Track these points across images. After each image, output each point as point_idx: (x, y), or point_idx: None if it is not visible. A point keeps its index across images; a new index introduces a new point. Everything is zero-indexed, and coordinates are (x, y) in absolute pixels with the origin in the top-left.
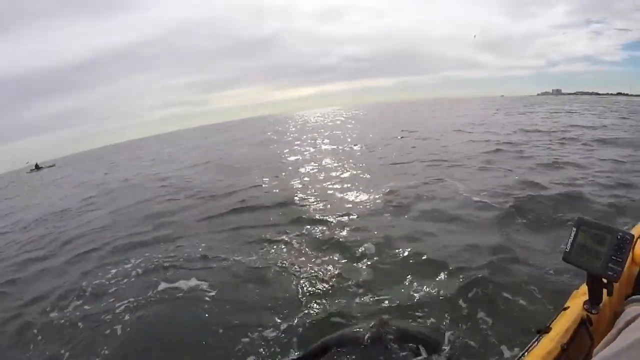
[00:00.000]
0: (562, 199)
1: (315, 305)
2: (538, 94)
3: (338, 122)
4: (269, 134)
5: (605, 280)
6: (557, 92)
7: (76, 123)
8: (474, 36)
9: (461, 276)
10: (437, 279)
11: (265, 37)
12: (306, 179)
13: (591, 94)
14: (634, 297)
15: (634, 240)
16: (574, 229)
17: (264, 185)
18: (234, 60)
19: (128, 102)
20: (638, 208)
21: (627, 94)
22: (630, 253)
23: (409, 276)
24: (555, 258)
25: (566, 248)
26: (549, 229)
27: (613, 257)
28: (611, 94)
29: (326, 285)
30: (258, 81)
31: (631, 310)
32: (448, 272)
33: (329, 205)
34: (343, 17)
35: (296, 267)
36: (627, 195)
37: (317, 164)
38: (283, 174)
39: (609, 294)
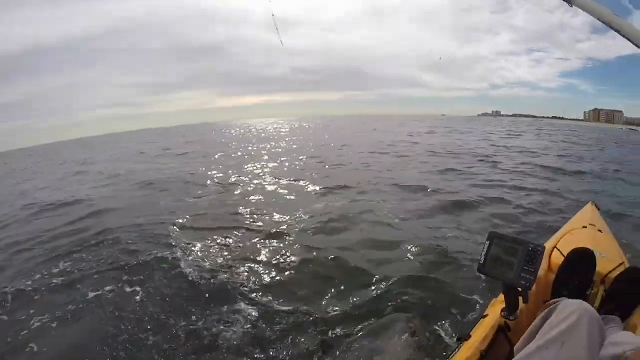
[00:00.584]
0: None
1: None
2: (478, 115)
3: (281, 133)
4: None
5: (519, 289)
6: (497, 114)
7: (16, 117)
8: (439, 58)
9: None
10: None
11: (214, 43)
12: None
13: (528, 116)
14: (550, 300)
15: (550, 250)
16: (487, 242)
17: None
18: (181, 63)
19: (71, 98)
20: (552, 223)
21: (561, 117)
22: (547, 261)
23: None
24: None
25: (480, 260)
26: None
27: (525, 268)
28: (547, 117)
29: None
30: (204, 87)
31: (550, 308)
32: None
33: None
34: (294, 29)
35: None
36: (544, 210)
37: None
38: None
39: (525, 301)
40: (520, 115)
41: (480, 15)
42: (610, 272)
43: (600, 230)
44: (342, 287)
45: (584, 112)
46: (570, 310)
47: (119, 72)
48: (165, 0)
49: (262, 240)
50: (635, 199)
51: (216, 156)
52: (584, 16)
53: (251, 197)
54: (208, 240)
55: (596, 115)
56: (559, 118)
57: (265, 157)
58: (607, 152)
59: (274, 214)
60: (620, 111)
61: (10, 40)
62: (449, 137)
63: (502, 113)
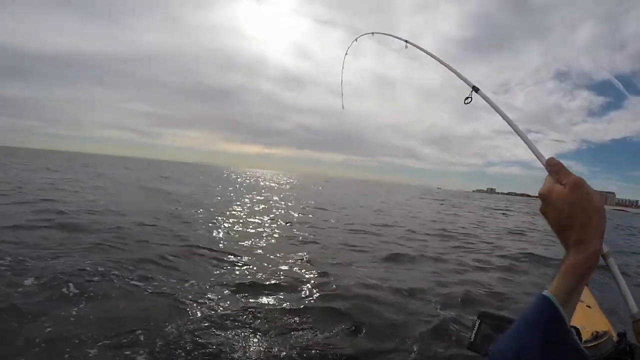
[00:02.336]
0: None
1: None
2: (473, 191)
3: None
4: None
5: None
6: (492, 191)
7: (22, 115)
8: (406, 47)
9: None
10: None
11: (228, 88)
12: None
13: (523, 195)
14: None
15: None
16: (478, 320)
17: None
18: (193, 101)
19: (82, 112)
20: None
21: None
22: None
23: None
24: None
25: (470, 338)
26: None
27: None
28: None
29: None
30: (209, 128)
31: None
32: None
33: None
34: (303, 88)
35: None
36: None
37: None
38: None
39: None
40: (515, 194)
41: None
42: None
43: (588, 306)
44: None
45: None
46: None
47: (131, 97)
48: (189, 38)
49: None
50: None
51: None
52: (581, 100)
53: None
54: None
55: None
56: None
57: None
58: None
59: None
60: (613, 193)
61: (31, 39)
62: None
63: (496, 190)
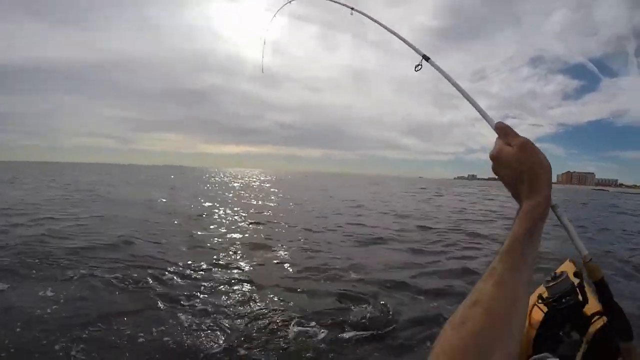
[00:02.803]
0: None
1: None
2: (455, 178)
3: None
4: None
5: None
6: (472, 177)
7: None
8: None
9: None
10: None
11: (204, 89)
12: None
13: None
14: (534, 356)
15: (531, 307)
16: None
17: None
18: (168, 104)
19: (58, 121)
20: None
21: None
22: (528, 318)
23: None
24: None
25: None
26: None
27: None
28: None
29: None
30: (188, 131)
31: None
32: None
33: None
34: (280, 85)
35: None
36: None
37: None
38: None
39: None
40: (495, 179)
41: (460, 83)
42: (591, 324)
43: None
44: None
45: (557, 175)
46: None
47: (108, 104)
48: (163, 41)
49: None
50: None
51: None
52: (555, 84)
53: None
54: None
55: (569, 177)
56: None
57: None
58: (572, 212)
59: None
60: (592, 173)
61: (4, 52)
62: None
63: (477, 177)
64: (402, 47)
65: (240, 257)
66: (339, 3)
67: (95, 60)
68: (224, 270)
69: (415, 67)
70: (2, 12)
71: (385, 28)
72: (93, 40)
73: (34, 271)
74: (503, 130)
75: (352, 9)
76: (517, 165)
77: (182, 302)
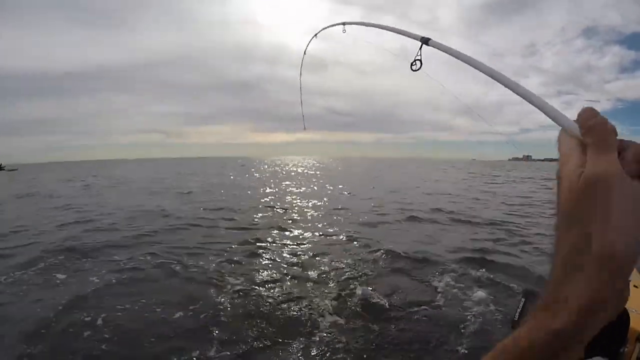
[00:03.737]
0: None
1: None
2: (509, 159)
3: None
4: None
5: None
6: (528, 158)
7: (53, 131)
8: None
9: None
10: None
11: (250, 79)
12: None
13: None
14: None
15: None
16: (522, 299)
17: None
18: (216, 97)
19: (109, 120)
20: None
21: None
22: None
23: None
24: None
25: (515, 317)
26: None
27: None
28: None
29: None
30: (236, 121)
31: None
32: None
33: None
34: (327, 71)
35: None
36: None
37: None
38: None
39: None
40: (552, 160)
41: (510, 59)
42: None
43: (636, 286)
44: None
45: None
46: None
47: (156, 100)
48: (205, 35)
49: None
50: None
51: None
52: (611, 56)
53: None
54: None
55: None
56: None
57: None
58: None
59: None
60: None
61: (52, 60)
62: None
63: (533, 157)
64: (447, 22)
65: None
66: (330, 26)
67: (140, 60)
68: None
69: (412, 66)
70: (44, 21)
71: (378, 26)
72: (136, 41)
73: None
74: (592, 129)
75: (344, 24)
76: (574, 205)
77: None
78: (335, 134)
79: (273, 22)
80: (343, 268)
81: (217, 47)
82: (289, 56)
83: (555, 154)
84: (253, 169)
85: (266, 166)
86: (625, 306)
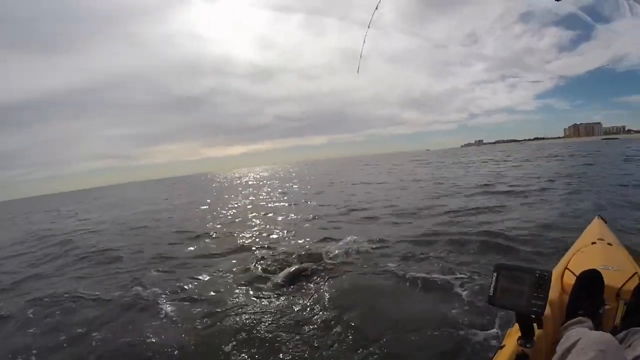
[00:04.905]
0: None
1: None
2: (462, 146)
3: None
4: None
5: (532, 316)
6: (479, 143)
7: (9, 167)
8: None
9: None
10: None
11: (199, 94)
12: None
13: (510, 141)
14: (568, 322)
15: (562, 272)
16: (495, 274)
17: None
18: (167, 115)
19: (61, 150)
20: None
21: (543, 138)
22: (560, 283)
23: None
24: None
25: (490, 292)
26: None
27: (535, 295)
28: (529, 140)
29: None
30: (190, 138)
31: (570, 334)
32: None
33: None
34: (274, 78)
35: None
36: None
37: None
38: None
39: (540, 327)
40: (503, 142)
41: (453, 49)
42: (624, 284)
43: (609, 244)
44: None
45: (564, 129)
46: (591, 343)
47: (110, 123)
48: (152, 54)
49: None
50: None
51: None
52: (550, 38)
53: None
54: None
55: (576, 130)
56: (541, 139)
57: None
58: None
59: None
60: (599, 123)
61: (3, 91)
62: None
63: (484, 141)
64: (391, 19)
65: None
66: None
67: (87, 84)
68: None
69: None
70: None
71: None
72: (82, 65)
73: None
74: None
75: None
76: None
77: None
78: (288, 140)
79: (217, 34)
80: None
81: (164, 65)
82: (236, 67)
83: (504, 136)
84: (179, 191)
85: (216, 183)
86: (600, 265)
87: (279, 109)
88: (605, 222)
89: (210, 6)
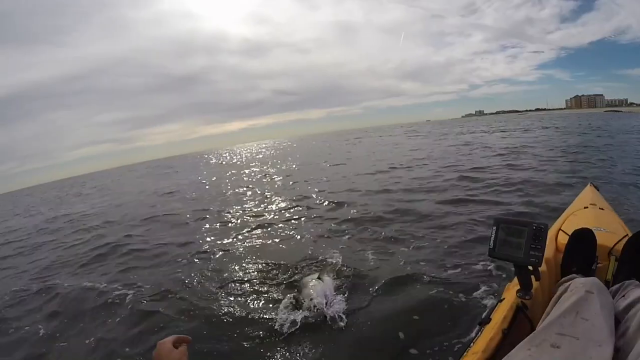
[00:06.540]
0: None
1: None
2: (462, 117)
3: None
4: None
5: (530, 268)
6: (480, 113)
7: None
8: None
9: None
10: None
11: (192, 73)
12: None
13: (511, 112)
14: (562, 279)
15: (556, 233)
16: (494, 227)
17: None
18: (162, 96)
19: (53, 140)
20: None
21: (544, 109)
22: (554, 243)
23: None
24: None
25: (490, 245)
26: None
27: (532, 246)
28: (530, 110)
29: None
30: (187, 117)
31: (564, 285)
32: None
33: None
34: (269, 53)
35: None
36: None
37: None
38: None
39: (537, 279)
40: (504, 112)
41: (452, 20)
42: (616, 244)
43: (601, 209)
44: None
45: (566, 101)
46: (580, 285)
47: (100, 110)
48: (139, 35)
49: None
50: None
51: None
52: (551, 8)
53: None
54: None
55: (578, 102)
56: (542, 109)
57: None
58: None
59: None
60: (601, 95)
61: None
62: None
63: (485, 112)
64: None
65: None
66: None
67: (76, 71)
68: None
69: None
70: None
71: None
72: (68, 53)
73: None
74: None
75: None
76: None
77: None
78: (286, 115)
79: (208, 11)
80: None
81: (155, 46)
82: (230, 43)
83: (505, 107)
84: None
85: (213, 160)
86: (593, 226)
87: (275, 83)
88: (597, 189)
89: None
